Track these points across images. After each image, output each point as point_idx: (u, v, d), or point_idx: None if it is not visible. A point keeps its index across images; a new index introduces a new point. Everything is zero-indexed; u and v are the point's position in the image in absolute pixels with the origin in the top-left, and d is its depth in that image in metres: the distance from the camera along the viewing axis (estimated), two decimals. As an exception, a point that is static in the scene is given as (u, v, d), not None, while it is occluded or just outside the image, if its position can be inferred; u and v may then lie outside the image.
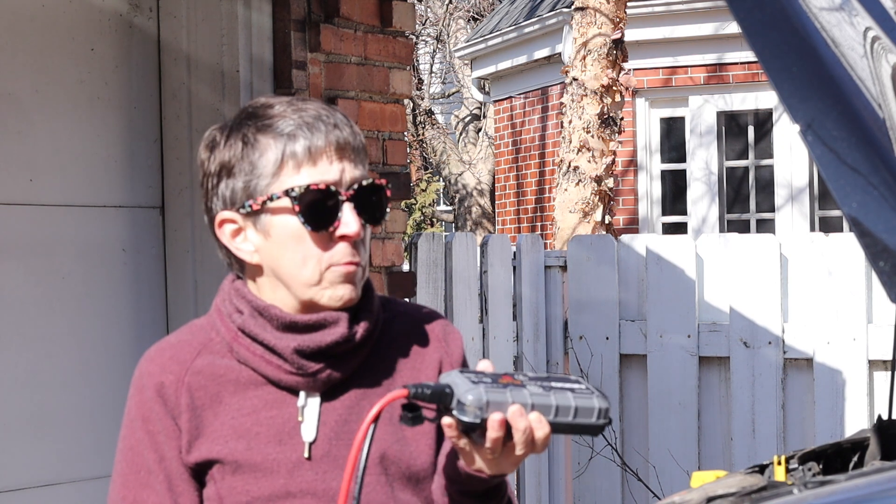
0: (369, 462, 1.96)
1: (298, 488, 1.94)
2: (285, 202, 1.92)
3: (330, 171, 1.92)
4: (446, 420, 1.77)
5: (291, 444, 1.95)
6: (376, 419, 1.72)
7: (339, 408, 1.97)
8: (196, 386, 1.97)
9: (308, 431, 1.96)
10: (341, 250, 1.93)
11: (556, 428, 1.79)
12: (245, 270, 2.00)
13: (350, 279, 1.93)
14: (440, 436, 2.01)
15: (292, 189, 1.91)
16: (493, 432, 1.77)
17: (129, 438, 1.99)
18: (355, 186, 1.93)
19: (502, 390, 1.76)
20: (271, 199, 1.92)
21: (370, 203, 1.94)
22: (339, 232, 1.92)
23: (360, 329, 1.96)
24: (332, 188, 1.91)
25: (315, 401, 1.97)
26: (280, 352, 1.94)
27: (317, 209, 1.91)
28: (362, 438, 1.71)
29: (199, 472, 1.97)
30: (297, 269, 1.94)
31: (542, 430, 1.78)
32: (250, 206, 1.94)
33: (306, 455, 1.95)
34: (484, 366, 1.84)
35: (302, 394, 1.96)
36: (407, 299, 4.53)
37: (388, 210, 1.97)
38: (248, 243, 1.97)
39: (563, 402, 1.78)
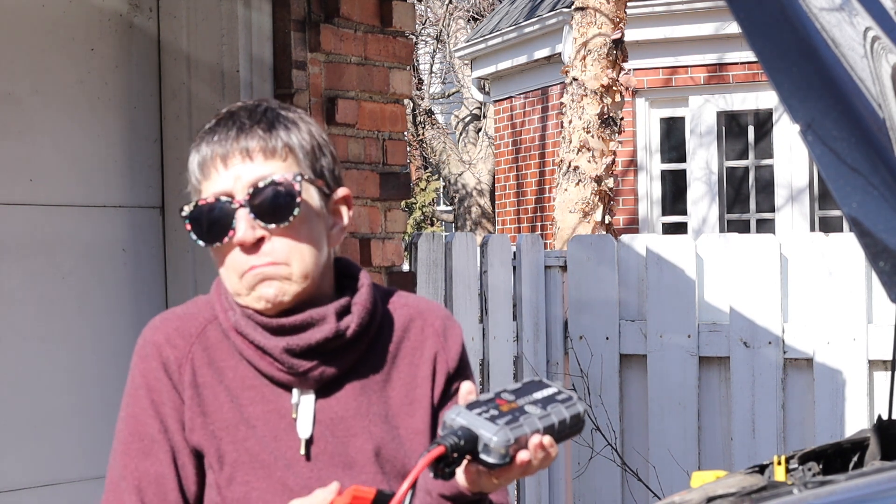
0: (365, 460, 1.96)
1: (295, 483, 1.94)
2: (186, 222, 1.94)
3: (220, 181, 1.91)
4: (472, 466, 1.78)
5: (287, 441, 1.95)
6: (413, 485, 1.71)
7: (335, 405, 1.97)
8: (200, 363, 1.96)
9: (303, 429, 1.95)
10: (240, 259, 1.91)
11: (558, 441, 1.82)
12: None
13: (266, 280, 1.91)
14: (433, 436, 2.01)
15: (183, 209, 1.93)
16: (519, 469, 1.79)
17: (133, 406, 1.97)
18: (250, 190, 1.90)
19: (518, 423, 1.76)
20: (182, 218, 1.94)
21: (274, 203, 1.90)
22: (233, 240, 1.91)
23: (353, 325, 1.95)
24: (223, 198, 1.90)
25: (309, 398, 1.96)
26: (270, 352, 1.94)
27: (209, 223, 1.91)
28: (400, 500, 1.71)
29: (199, 454, 1.97)
30: (225, 281, 1.95)
31: (554, 450, 1.80)
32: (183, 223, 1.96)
33: (302, 452, 1.95)
34: (467, 388, 1.84)
35: (295, 391, 1.96)
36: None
37: (296, 205, 1.90)
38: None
39: (561, 416, 1.81)
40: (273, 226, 1.90)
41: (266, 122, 1.93)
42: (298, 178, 1.92)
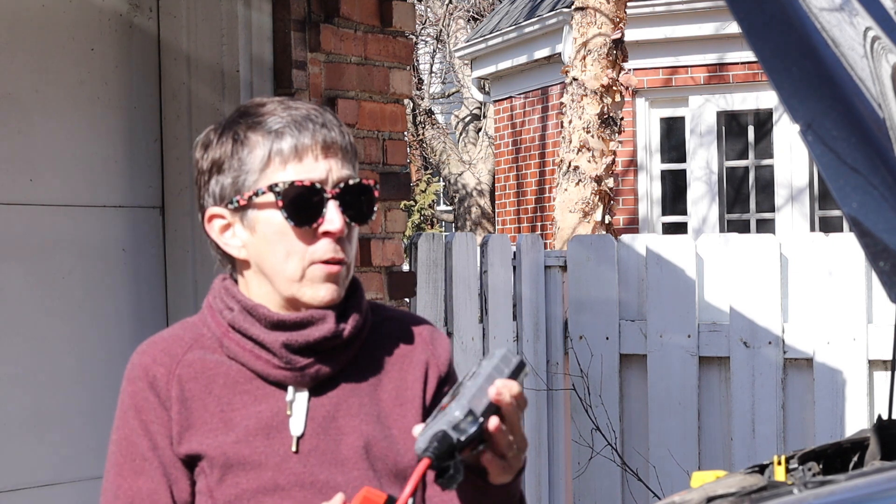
0: (356, 457, 1.99)
1: (287, 481, 1.96)
2: (270, 197, 1.96)
3: (316, 169, 1.96)
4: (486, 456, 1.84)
5: (279, 438, 1.97)
6: (413, 494, 1.77)
7: (328, 404, 2.00)
8: (186, 378, 2.00)
9: (296, 426, 1.98)
10: (324, 246, 1.95)
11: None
12: (234, 266, 2.04)
13: (332, 279, 1.96)
14: None
15: (276, 184, 1.95)
16: (495, 420, 1.83)
17: (123, 428, 2.01)
18: (341, 185, 1.96)
19: (461, 393, 1.82)
20: (257, 194, 1.96)
21: (357, 202, 1.98)
22: (322, 228, 1.95)
23: (349, 326, 1.99)
24: (318, 185, 1.95)
25: (303, 396, 2.00)
26: (269, 346, 1.97)
27: (300, 205, 1.95)
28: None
29: (190, 465, 2.00)
30: (281, 265, 1.97)
31: (515, 387, 1.85)
32: (237, 201, 1.98)
33: (294, 449, 1.97)
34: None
35: (290, 388, 1.99)
36: (407, 299, 4.53)
37: (374, 210, 2.00)
38: (235, 238, 2.01)
39: (492, 364, 1.87)
40: (354, 224, 1.98)
41: (338, 122, 2.01)
42: (376, 185, 2.01)
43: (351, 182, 1.97)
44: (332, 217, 1.94)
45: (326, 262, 1.95)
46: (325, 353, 1.98)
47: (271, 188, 1.95)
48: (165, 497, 1.98)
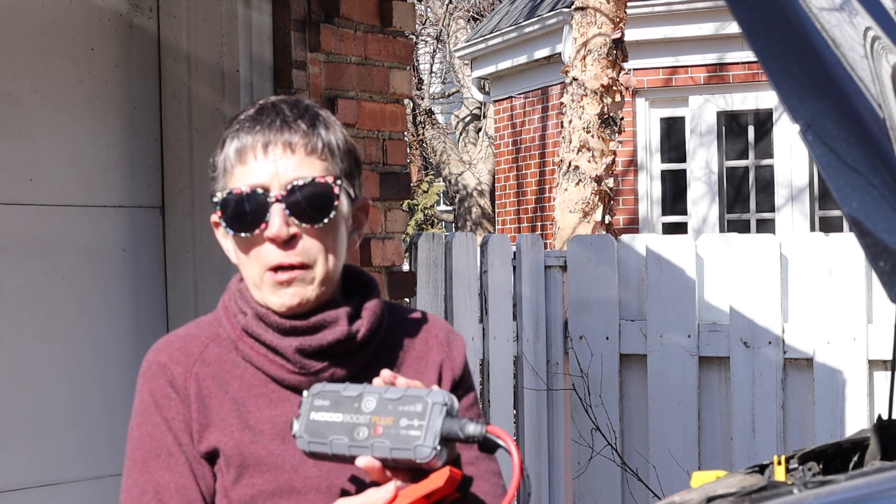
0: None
1: (303, 485, 1.94)
2: (217, 207, 1.94)
3: (258, 171, 1.91)
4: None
5: (295, 443, 1.95)
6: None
7: None
8: (204, 376, 1.98)
9: None
10: (270, 253, 1.91)
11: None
12: None
13: (288, 284, 1.91)
14: None
15: (215, 194, 1.94)
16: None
17: (146, 425, 1.98)
18: (288, 187, 1.90)
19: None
20: (213, 202, 1.95)
21: (311, 203, 1.91)
22: (265, 234, 1.91)
23: (363, 328, 1.97)
24: (260, 190, 1.90)
25: None
26: (282, 352, 1.95)
27: (240, 213, 1.91)
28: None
29: (210, 462, 1.98)
30: (245, 271, 1.96)
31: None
32: (214, 208, 1.96)
33: None
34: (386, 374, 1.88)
35: (305, 392, 1.96)
36: (406, 300, 4.53)
37: (333, 209, 1.92)
38: (227, 241, 2.00)
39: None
40: (307, 225, 1.91)
41: (309, 118, 1.94)
42: (338, 181, 1.93)
43: (300, 182, 1.90)
44: (274, 222, 1.89)
45: (274, 269, 1.91)
46: (340, 356, 1.96)
47: (216, 198, 1.93)
48: (195, 491, 1.96)
